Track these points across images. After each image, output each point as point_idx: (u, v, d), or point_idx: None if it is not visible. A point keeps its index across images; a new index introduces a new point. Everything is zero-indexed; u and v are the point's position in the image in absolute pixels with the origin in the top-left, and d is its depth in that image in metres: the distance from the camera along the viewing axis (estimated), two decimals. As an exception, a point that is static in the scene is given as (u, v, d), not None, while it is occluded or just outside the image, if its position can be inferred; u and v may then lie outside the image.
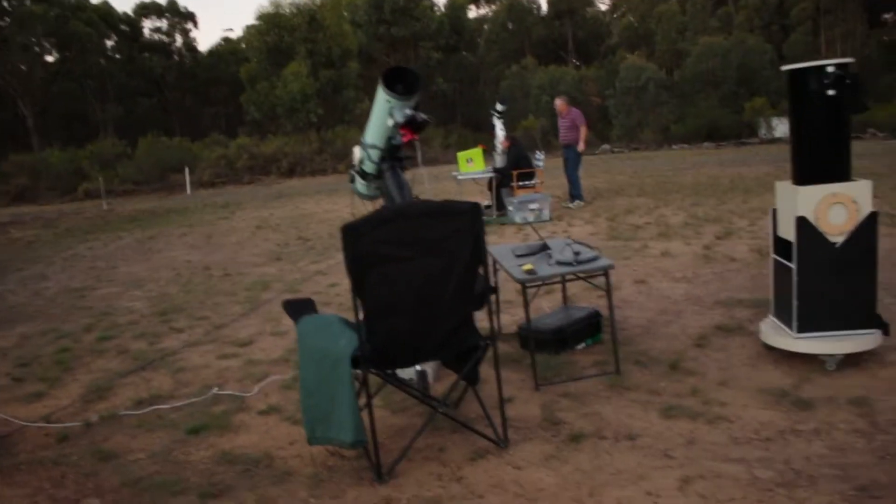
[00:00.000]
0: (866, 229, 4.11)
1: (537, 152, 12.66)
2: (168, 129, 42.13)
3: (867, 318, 4.19)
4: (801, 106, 4.23)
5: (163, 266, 10.24)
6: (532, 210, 10.76)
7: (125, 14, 50.06)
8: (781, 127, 30.34)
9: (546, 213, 10.85)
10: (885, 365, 4.16)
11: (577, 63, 48.41)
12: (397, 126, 4.11)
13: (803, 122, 4.23)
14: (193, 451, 3.79)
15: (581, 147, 12.19)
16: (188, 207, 20.82)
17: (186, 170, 28.93)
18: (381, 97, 4.15)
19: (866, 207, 4.10)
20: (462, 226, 3.29)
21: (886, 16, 42.61)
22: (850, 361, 4.15)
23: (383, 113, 4.17)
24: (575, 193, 12.43)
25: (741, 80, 34.49)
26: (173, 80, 50.17)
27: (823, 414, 3.58)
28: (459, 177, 12.10)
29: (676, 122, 34.18)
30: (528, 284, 4.22)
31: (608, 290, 4.35)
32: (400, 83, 4.21)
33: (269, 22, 34.17)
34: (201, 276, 9.14)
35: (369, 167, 4.46)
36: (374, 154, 4.37)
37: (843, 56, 35.14)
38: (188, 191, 28.30)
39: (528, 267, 4.26)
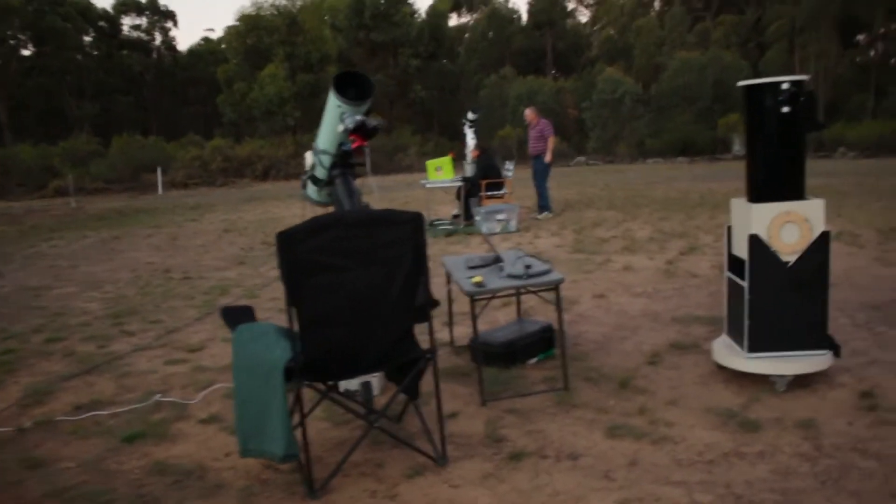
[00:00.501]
0: (818, 249, 4.08)
1: (507, 162, 12.62)
2: (145, 128, 41.72)
3: (818, 338, 4.16)
4: (755, 122, 4.21)
5: (124, 267, 10.07)
6: (499, 220, 10.71)
7: (104, 10, 49.51)
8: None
9: (513, 224, 10.80)
10: (834, 387, 4.13)
11: (557, 74, 48.58)
12: (347, 132, 4.05)
13: (758, 139, 4.21)
14: (126, 461, 3.67)
15: (548, 158, 12.17)
16: (158, 208, 20.59)
17: (159, 170, 28.66)
18: (333, 102, 4.10)
19: (819, 227, 4.07)
20: (403, 235, 3.22)
21: (859, 37, 43.13)
22: (801, 382, 4.11)
23: (334, 118, 4.11)
24: (543, 204, 12.41)
25: (716, 97, 34.72)
26: (152, 78, 49.66)
27: (769, 436, 3.53)
28: (427, 185, 12.05)
29: (652, 136, 34.35)
30: (476, 297, 4.15)
31: (558, 305, 4.29)
32: (352, 88, 4.16)
33: (249, 23, 33.99)
34: (161, 279, 8.99)
35: (320, 173, 4.40)
36: (326, 160, 4.31)
37: (816, 75, 35.61)
38: (160, 191, 28.03)
39: (477, 279, 4.19)
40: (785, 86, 4.02)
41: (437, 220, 11.85)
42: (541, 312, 5.83)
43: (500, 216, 10.74)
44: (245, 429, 3.27)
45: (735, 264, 4.38)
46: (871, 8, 39.03)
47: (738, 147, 31.57)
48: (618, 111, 34.89)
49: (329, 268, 3.12)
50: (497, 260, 4.63)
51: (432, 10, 47.01)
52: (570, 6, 57.31)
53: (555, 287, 4.23)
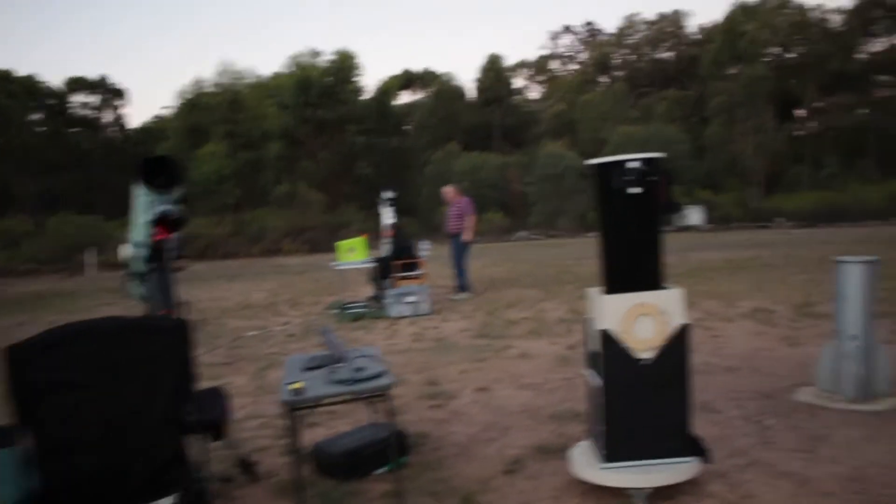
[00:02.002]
0: (676, 344, 3.69)
1: (423, 242, 12.20)
2: (91, 205, 40.72)
3: (680, 444, 3.73)
4: (605, 204, 3.85)
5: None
6: (409, 303, 10.23)
7: (51, 88, 48.93)
8: (693, 215, 30.98)
9: (425, 307, 10.31)
10: (701, 498, 3.67)
11: (506, 149, 49.07)
12: (150, 223, 3.63)
13: (608, 223, 3.84)
14: None
15: (468, 237, 11.81)
16: (78, 291, 19.77)
17: (87, 251, 27.87)
18: (139, 191, 3.69)
19: (677, 319, 3.69)
20: (165, 346, 2.76)
21: (796, 111, 44.50)
22: (666, 495, 3.65)
23: (144, 208, 3.70)
24: (460, 285, 12.00)
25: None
26: (100, 156, 48.89)
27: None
28: (338, 267, 11.59)
29: (594, 209, 34.40)
30: (294, 407, 3.64)
31: (388, 413, 3.79)
32: (162, 175, 3.76)
33: (189, 103, 33.83)
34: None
35: (138, 266, 3.96)
36: (142, 252, 3.87)
37: (753, 148, 36.35)
38: (87, 272, 27.20)
39: (296, 385, 3.69)
40: (632, 164, 3.69)
41: (351, 302, 11.33)
42: (413, 410, 5.33)
43: (410, 298, 10.27)
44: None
45: (592, 361, 3.96)
46: (803, 84, 40.36)
47: (687, 218, 31.75)
48: (560, 185, 34.99)
49: (71, 386, 2.64)
50: (337, 360, 4.15)
51: (381, 88, 47.46)
52: (521, 83, 58.56)
53: (382, 394, 3.74)
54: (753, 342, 7.22)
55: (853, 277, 5.16)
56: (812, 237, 22.73)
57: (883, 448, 4.21)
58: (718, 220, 31.23)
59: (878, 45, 44.51)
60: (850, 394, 5.06)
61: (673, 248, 20.20)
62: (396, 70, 56.27)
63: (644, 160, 3.72)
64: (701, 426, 4.24)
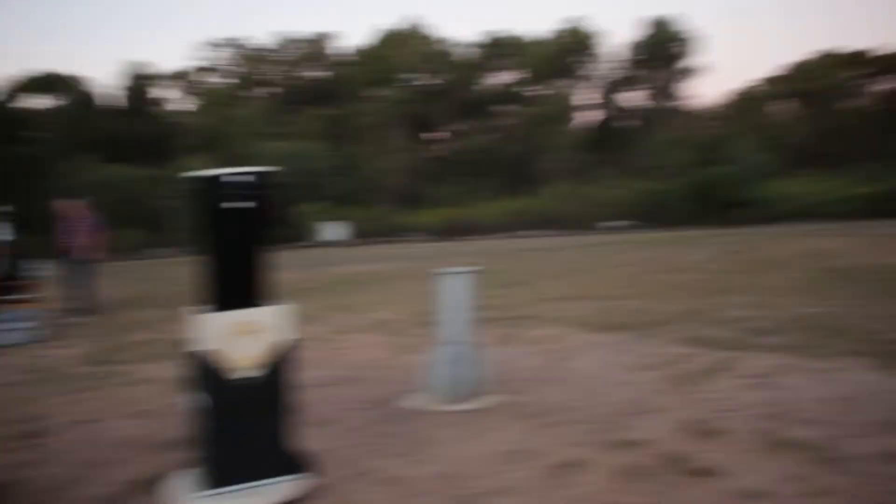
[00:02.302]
0: (282, 361, 3.67)
1: (41, 261, 10.96)
2: None
3: (286, 462, 3.71)
4: (203, 220, 3.71)
5: None
6: (20, 330, 9.11)
7: None
8: (336, 230, 32.18)
9: (39, 333, 9.22)
10: (307, 514, 3.66)
11: (150, 162, 46.59)
12: None
13: (206, 239, 3.70)
14: None
15: (96, 255, 10.93)
16: None
17: None
18: None
19: (281, 335, 3.67)
20: None
21: (433, 133, 48.33)
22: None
23: None
24: (83, 307, 11.01)
25: (299, 185, 35.64)
26: None
27: None
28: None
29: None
30: None
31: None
32: None
33: None
34: None
35: None
36: None
37: (393, 166, 38.58)
38: None
39: None
40: (230, 178, 3.60)
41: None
42: (2, 454, 4.69)
43: (20, 324, 9.11)
44: None
45: (193, 383, 3.79)
46: (438, 108, 43.85)
47: (318, 234, 32.75)
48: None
49: None
50: None
51: (8, 89, 42.50)
52: (172, 94, 56.06)
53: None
54: (373, 352, 7.53)
55: (451, 288, 5.58)
56: (442, 250, 24.62)
57: (476, 444, 4.58)
58: (361, 234, 32.63)
59: (502, 77, 50.07)
60: (451, 396, 5.44)
61: (312, 263, 20.65)
62: (29, 71, 50.01)
63: (253, 174, 3.66)
64: (312, 440, 4.27)
